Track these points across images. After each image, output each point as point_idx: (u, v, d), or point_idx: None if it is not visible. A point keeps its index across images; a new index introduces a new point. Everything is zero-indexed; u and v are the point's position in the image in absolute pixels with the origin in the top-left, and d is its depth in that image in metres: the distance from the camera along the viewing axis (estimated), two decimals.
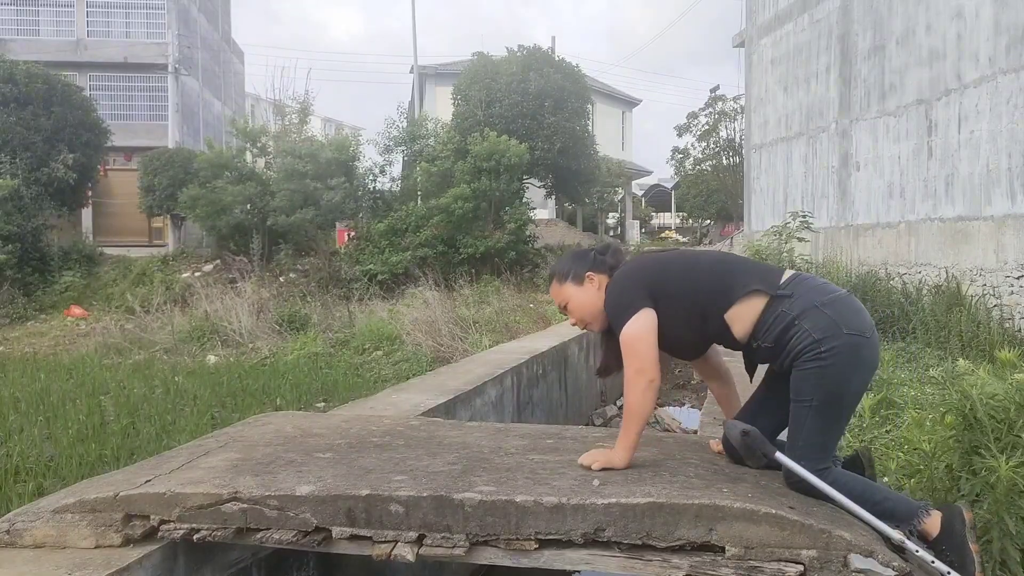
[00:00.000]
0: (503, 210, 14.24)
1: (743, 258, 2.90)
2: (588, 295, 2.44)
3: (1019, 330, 7.48)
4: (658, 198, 41.11)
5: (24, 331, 10.70)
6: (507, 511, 1.98)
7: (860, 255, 10.83)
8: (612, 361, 2.44)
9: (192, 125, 24.66)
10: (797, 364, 2.13)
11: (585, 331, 2.53)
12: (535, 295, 12.12)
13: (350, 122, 41.60)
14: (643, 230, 34.49)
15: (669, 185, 37.17)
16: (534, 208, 16.20)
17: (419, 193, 15.46)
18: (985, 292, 8.06)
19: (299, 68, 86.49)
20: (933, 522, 2.07)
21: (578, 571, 2.07)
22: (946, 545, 2.03)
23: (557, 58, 18.54)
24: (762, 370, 2.44)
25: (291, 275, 13.92)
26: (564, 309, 2.52)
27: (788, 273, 2.29)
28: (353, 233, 15.18)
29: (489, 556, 2.02)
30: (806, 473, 2.20)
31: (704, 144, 28.65)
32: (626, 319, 2.24)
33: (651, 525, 1.92)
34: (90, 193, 18.11)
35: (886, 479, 2.79)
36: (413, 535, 2.03)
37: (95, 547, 2.11)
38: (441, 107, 22.10)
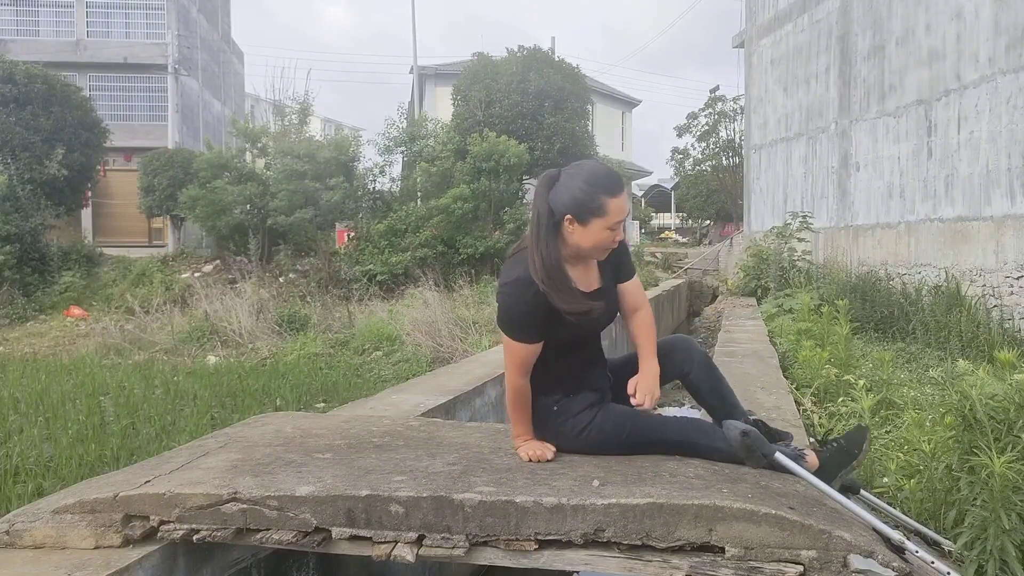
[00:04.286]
0: (503, 210, 14.24)
1: None
2: None
3: (1019, 330, 7.48)
4: (658, 198, 41.11)
5: (24, 331, 10.69)
6: (507, 511, 1.98)
7: (860, 255, 10.84)
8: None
9: (192, 125, 24.66)
10: None
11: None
12: None
13: (350, 122, 41.63)
14: (643, 230, 34.45)
15: (669, 185, 37.17)
16: None
17: (419, 193, 15.46)
18: (985, 292, 8.07)
19: (298, 68, 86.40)
20: (812, 457, 2.35)
21: (578, 571, 2.07)
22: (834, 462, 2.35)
23: (557, 59, 18.52)
24: None
25: (291, 275, 13.92)
26: (621, 224, 2.35)
27: None
28: (353, 233, 15.19)
29: (489, 556, 2.02)
30: (809, 475, 2.22)
31: (704, 144, 28.65)
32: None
33: (651, 525, 1.92)
34: (89, 194, 18.10)
35: (886, 479, 2.79)
36: (413, 535, 2.03)
37: (95, 548, 2.11)
38: (441, 107, 22.09)
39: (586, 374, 2.45)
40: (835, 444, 2.42)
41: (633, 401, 2.31)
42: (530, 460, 2.33)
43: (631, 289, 2.50)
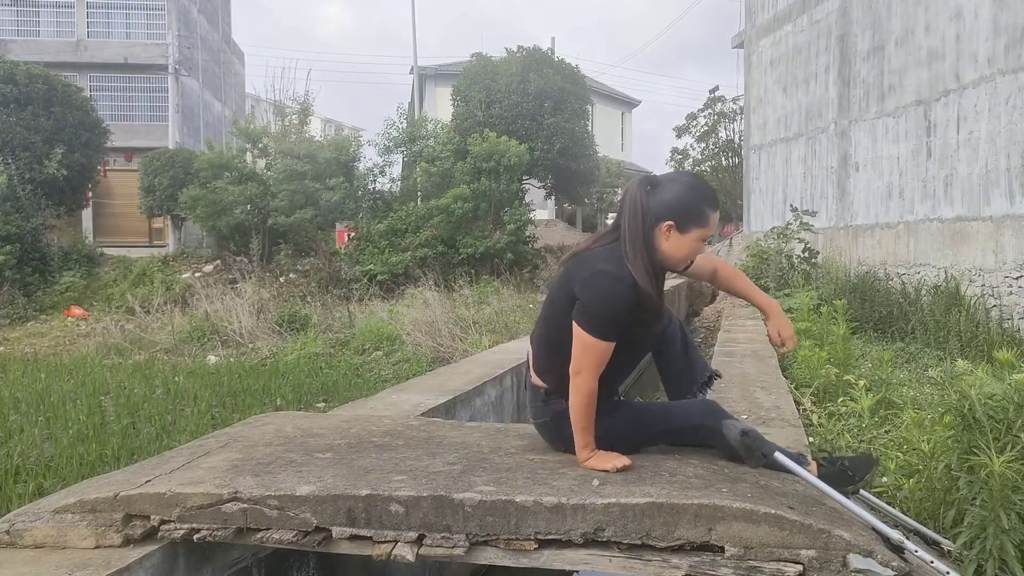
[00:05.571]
0: (503, 211, 14.25)
1: None
2: None
3: (1018, 330, 7.48)
4: None
5: (24, 331, 10.69)
6: (507, 511, 1.99)
7: (859, 255, 10.84)
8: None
9: (192, 126, 24.66)
10: None
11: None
12: (535, 295, 12.11)
13: (350, 123, 41.61)
14: None
15: None
16: (534, 209, 16.22)
17: (419, 193, 15.47)
18: (984, 292, 8.07)
19: (298, 69, 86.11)
20: (812, 467, 2.33)
21: (577, 571, 2.07)
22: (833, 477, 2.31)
23: (557, 59, 18.54)
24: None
25: (291, 275, 13.92)
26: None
27: None
28: (353, 233, 15.19)
29: (489, 556, 2.02)
30: (808, 475, 2.22)
31: (703, 145, 28.65)
32: None
33: (650, 525, 1.92)
34: (90, 194, 18.12)
35: (885, 479, 2.80)
36: (413, 535, 2.03)
37: (95, 547, 2.11)
38: (441, 108, 22.13)
39: (611, 382, 2.39)
40: (840, 464, 2.38)
41: (783, 349, 2.49)
42: (617, 471, 2.20)
43: (697, 260, 2.44)
